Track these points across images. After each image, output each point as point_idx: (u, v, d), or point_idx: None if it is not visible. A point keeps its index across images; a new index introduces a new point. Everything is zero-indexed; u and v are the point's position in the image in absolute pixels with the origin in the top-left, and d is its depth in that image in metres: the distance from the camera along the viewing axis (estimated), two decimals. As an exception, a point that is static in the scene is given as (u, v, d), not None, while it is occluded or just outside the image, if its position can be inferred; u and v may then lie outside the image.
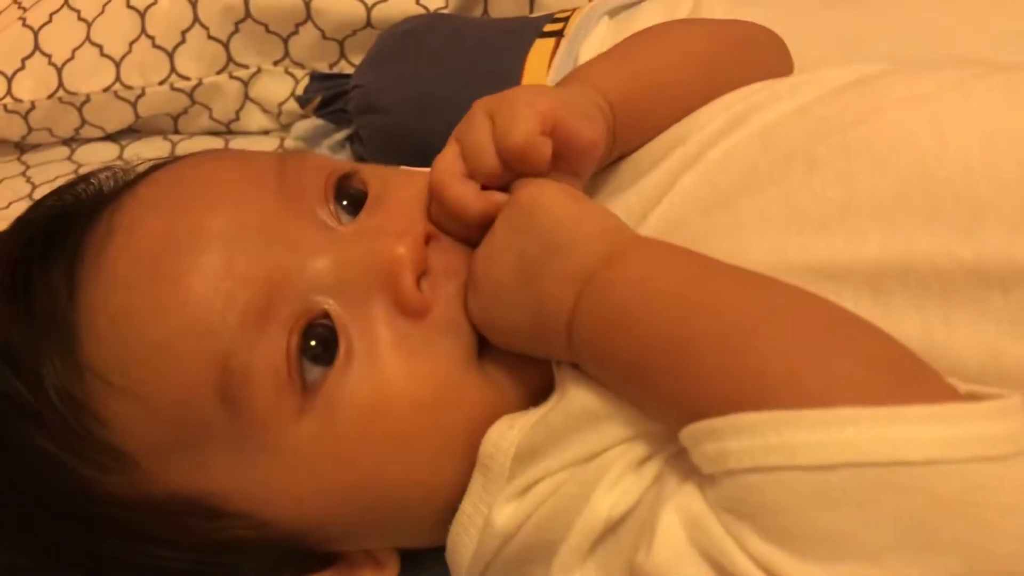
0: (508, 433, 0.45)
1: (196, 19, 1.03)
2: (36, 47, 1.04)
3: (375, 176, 0.52)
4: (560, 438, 0.43)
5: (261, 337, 0.43)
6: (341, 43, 1.04)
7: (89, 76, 1.03)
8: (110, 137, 1.09)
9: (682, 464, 0.39)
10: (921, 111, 0.45)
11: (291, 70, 1.06)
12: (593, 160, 0.50)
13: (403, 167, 0.57)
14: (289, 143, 1.03)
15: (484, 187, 0.48)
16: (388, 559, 0.49)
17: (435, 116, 0.91)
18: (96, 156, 1.06)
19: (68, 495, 0.44)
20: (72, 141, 1.09)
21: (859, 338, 0.37)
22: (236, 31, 1.03)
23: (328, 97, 0.98)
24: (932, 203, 0.41)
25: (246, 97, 1.06)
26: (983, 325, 0.39)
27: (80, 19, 1.04)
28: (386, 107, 0.93)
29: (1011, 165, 0.41)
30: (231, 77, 1.05)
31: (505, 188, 0.48)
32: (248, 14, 1.02)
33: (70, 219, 0.48)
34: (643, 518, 0.40)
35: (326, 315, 0.45)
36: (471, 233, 0.48)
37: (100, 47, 1.03)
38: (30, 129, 1.06)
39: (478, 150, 0.48)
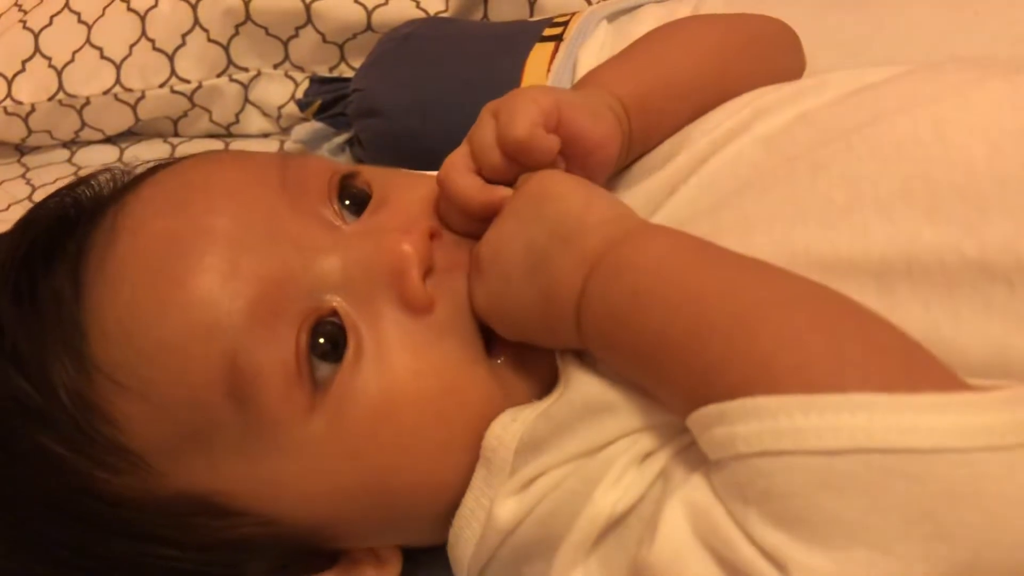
0: (511, 426, 0.45)
1: (196, 22, 1.03)
2: (36, 49, 1.04)
3: (378, 177, 0.52)
4: (563, 431, 0.43)
5: (270, 335, 0.43)
6: (341, 47, 1.04)
7: (89, 79, 1.03)
8: (110, 140, 1.09)
9: (687, 460, 0.39)
10: (924, 115, 0.45)
11: (291, 73, 1.06)
12: (604, 159, 0.50)
13: (404, 170, 0.57)
14: (289, 146, 1.03)
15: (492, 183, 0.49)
16: (391, 557, 0.49)
17: (435, 120, 0.92)
18: (96, 159, 1.06)
19: (77, 496, 0.44)
20: (72, 144, 1.09)
21: (869, 326, 0.36)
22: (236, 34, 1.03)
23: (328, 101, 0.98)
24: (936, 200, 0.42)
25: (246, 100, 1.07)
26: (989, 320, 0.39)
27: (80, 22, 1.05)
28: (386, 111, 0.93)
29: (1015, 166, 0.41)
30: (231, 80, 1.05)
31: (511, 185, 0.49)
32: (248, 17, 1.02)
33: (73, 221, 0.48)
34: (647, 514, 0.40)
35: (335, 313, 0.45)
36: (475, 227, 0.49)
37: (100, 50, 1.03)
38: (30, 131, 1.06)
39: (484, 147, 0.49)
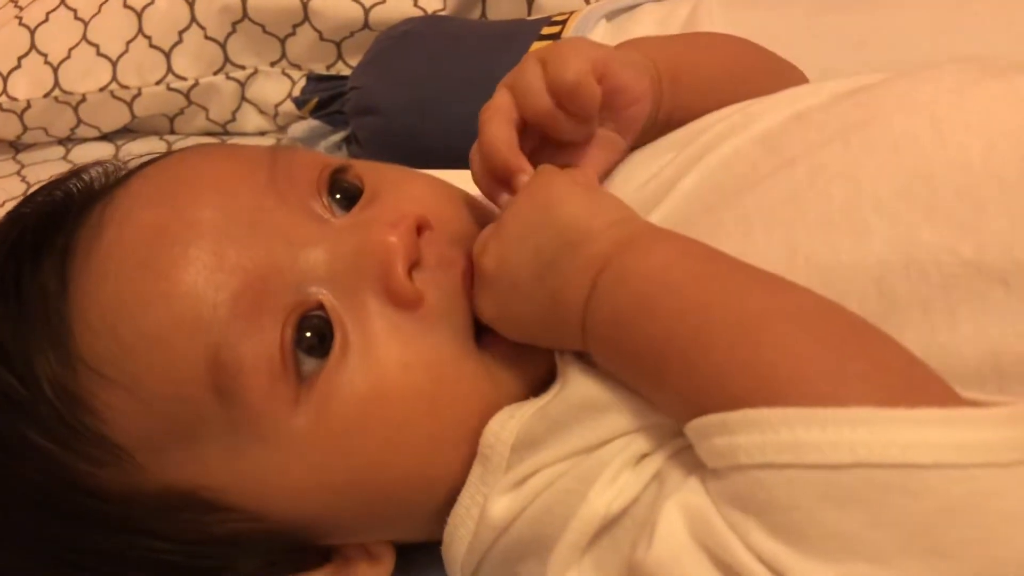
0: (508, 423, 0.45)
1: (193, 19, 1.03)
2: (32, 46, 1.04)
3: (370, 172, 0.52)
4: (559, 429, 0.43)
5: (254, 329, 0.43)
6: (338, 44, 1.04)
7: (85, 75, 1.03)
8: (106, 137, 1.09)
9: (683, 462, 0.39)
10: (921, 114, 0.45)
11: (288, 71, 1.06)
12: (639, 114, 0.52)
13: (397, 165, 0.57)
14: (285, 144, 1.03)
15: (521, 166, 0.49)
16: (383, 552, 0.49)
17: (432, 118, 0.92)
18: (92, 156, 1.05)
19: (61, 489, 0.44)
20: (68, 141, 1.09)
21: (871, 341, 0.37)
22: (233, 32, 1.03)
23: (325, 98, 0.98)
24: (934, 199, 0.42)
25: (243, 98, 1.07)
26: (986, 321, 0.39)
27: (77, 18, 1.04)
28: (383, 109, 0.93)
29: (1012, 165, 0.41)
30: (228, 78, 1.05)
31: (534, 163, 0.49)
32: (245, 15, 1.02)
33: (61, 214, 0.48)
34: (641, 515, 0.39)
35: (321, 306, 0.45)
36: (487, 185, 0.50)
37: (96, 46, 1.03)
38: (25, 128, 1.06)
39: (531, 90, 0.50)
